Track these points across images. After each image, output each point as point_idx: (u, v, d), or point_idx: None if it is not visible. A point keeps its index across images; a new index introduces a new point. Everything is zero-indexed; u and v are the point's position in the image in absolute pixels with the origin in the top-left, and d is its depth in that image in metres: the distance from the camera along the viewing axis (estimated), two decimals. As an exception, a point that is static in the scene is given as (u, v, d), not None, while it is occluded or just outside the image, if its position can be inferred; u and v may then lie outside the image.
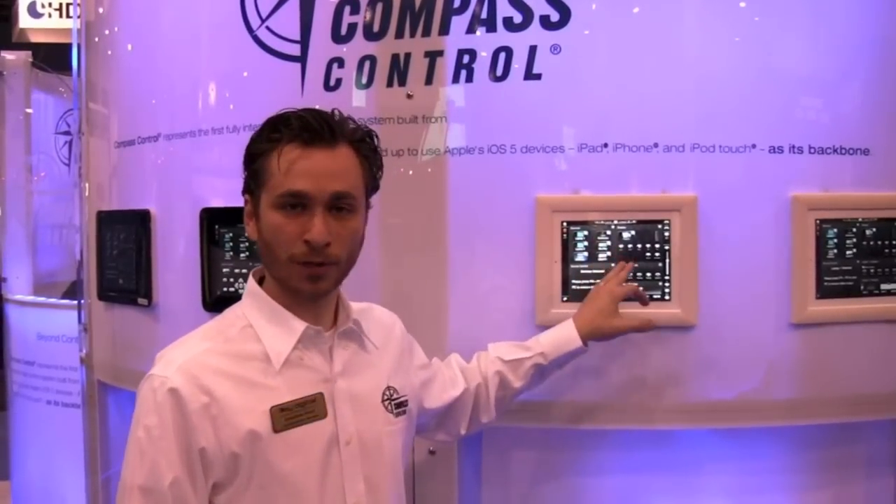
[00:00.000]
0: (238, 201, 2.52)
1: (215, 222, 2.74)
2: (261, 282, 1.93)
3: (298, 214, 1.79)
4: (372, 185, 1.93)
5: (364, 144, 1.89)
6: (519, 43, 2.47)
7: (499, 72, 2.48)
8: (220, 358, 1.81)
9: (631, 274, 2.43)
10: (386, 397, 2.00)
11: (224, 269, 2.73)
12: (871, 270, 2.52)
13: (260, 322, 1.86)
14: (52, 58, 6.73)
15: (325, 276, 1.83)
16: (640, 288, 2.40)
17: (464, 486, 2.59)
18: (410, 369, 2.16)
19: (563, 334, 2.34)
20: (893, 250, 2.53)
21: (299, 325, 1.86)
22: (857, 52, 2.53)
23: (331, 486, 1.86)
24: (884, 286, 2.53)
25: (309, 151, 1.79)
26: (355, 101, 2.57)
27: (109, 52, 3.28)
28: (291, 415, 1.81)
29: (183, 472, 1.73)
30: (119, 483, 1.78)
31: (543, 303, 2.47)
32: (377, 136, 1.94)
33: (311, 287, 1.83)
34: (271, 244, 1.82)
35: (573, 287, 2.46)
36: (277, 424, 1.79)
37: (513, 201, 2.49)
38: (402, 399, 2.04)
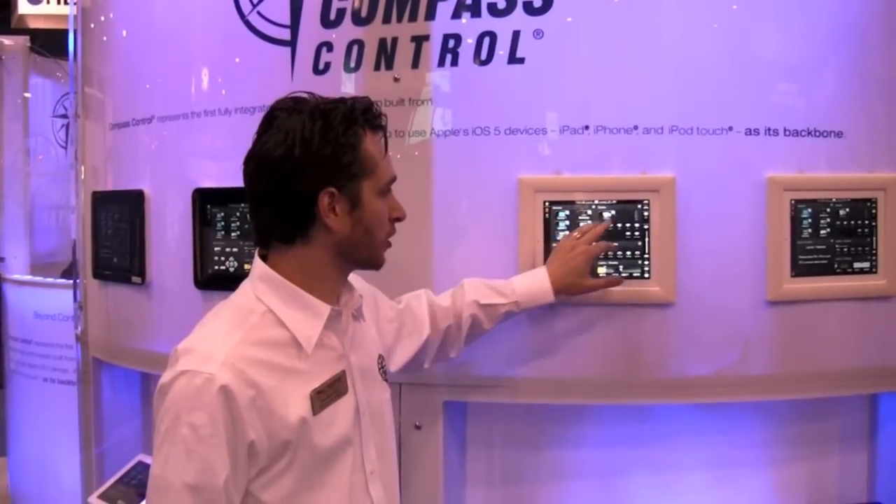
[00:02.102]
0: (230, 182, 2.59)
1: (207, 202, 2.79)
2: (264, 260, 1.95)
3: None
4: None
5: None
6: (503, 28, 2.52)
7: (483, 56, 2.53)
8: (255, 348, 1.80)
9: (611, 253, 2.49)
10: (380, 366, 2.08)
11: (216, 248, 2.78)
12: (845, 249, 2.58)
13: (279, 306, 1.86)
14: (51, 43, 6.76)
15: None
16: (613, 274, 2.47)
17: (448, 459, 2.65)
18: (384, 330, 2.24)
19: (538, 286, 2.40)
20: (866, 230, 2.59)
21: (323, 308, 1.89)
22: (832, 38, 2.58)
23: (356, 457, 1.92)
24: (857, 264, 2.59)
25: (380, 136, 1.95)
26: (344, 85, 2.62)
27: (105, 39, 3.33)
28: (325, 395, 1.85)
29: (231, 469, 1.72)
30: (155, 481, 1.74)
31: (526, 280, 2.52)
32: None
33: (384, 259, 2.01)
34: (374, 229, 1.92)
35: (555, 265, 2.51)
36: (316, 407, 1.83)
37: (496, 182, 2.54)
38: (387, 366, 2.13)
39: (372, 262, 1.98)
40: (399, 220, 1.99)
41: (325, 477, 1.85)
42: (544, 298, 2.40)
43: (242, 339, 1.79)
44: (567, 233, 2.49)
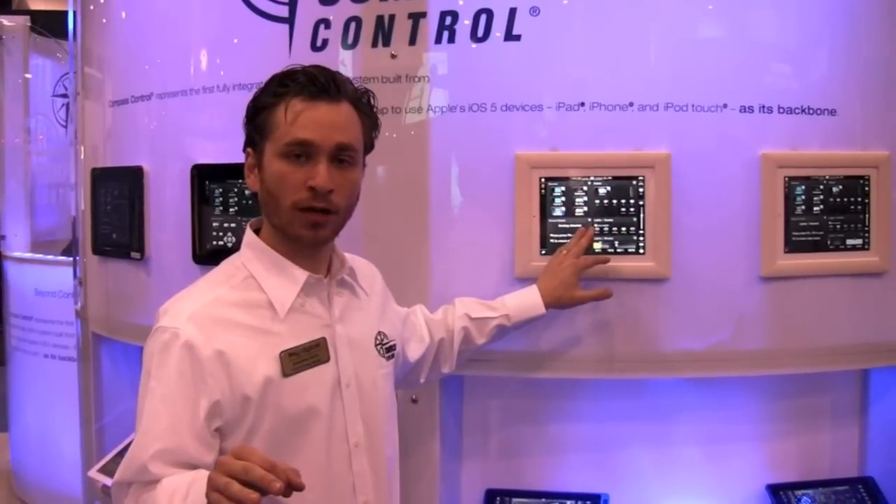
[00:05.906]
0: (229, 158, 2.60)
1: (206, 178, 2.81)
2: (257, 233, 1.99)
3: (303, 164, 1.85)
4: (369, 143, 2.01)
5: (363, 104, 1.97)
6: (499, 5, 2.53)
7: (480, 33, 2.54)
8: (228, 307, 1.86)
9: (606, 228, 2.51)
10: (378, 342, 2.09)
11: (214, 224, 2.80)
12: (837, 226, 2.60)
13: (260, 272, 1.92)
14: (51, 23, 6.75)
15: (326, 224, 1.89)
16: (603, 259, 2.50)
17: (445, 433, 2.68)
18: (394, 319, 2.24)
19: (529, 300, 2.44)
20: (859, 207, 2.61)
21: (301, 275, 1.92)
22: (826, 17, 2.60)
23: (335, 427, 1.93)
24: (849, 241, 2.61)
25: (315, 104, 1.87)
26: (341, 61, 2.63)
27: (104, 21, 3.34)
28: (299, 359, 1.88)
29: (197, 420, 1.76)
30: (137, 435, 1.78)
31: (522, 256, 2.54)
32: (375, 97, 2.01)
33: (312, 234, 1.88)
34: (275, 192, 1.87)
35: (551, 241, 2.53)
36: (286, 369, 1.85)
37: (493, 158, 2.55)
38: (391, 343, 2.14)
39: (284, 229, 1.90)
40: (312, 189, 1.84)
41: (296, 444, 1.88)
42: (535, 311, 2.44)
43: (216, 299, 1.87)
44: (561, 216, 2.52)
